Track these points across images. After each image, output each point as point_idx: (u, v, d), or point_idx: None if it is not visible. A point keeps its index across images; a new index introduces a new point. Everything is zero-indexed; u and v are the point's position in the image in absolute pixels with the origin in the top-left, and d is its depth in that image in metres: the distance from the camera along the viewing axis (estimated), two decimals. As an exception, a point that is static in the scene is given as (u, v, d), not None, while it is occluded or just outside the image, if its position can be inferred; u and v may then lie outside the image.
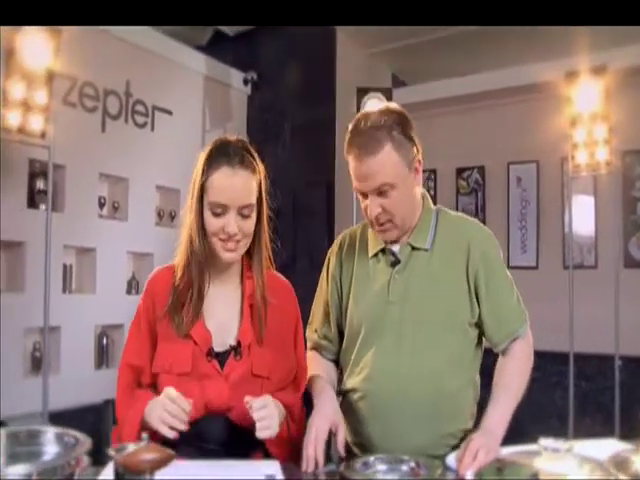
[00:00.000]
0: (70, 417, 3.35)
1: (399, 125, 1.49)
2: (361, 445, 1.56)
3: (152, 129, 4.57)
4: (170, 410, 1.28)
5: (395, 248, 1.61)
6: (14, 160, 3.52)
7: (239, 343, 1.45)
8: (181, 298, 1.45)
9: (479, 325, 1.59)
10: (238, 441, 1.42)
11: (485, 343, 1.64)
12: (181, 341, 1.43)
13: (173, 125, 4.72)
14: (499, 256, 1.62)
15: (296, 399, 1.52)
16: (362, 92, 3.90)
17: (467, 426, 1.56)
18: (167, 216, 4.74)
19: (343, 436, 1.45)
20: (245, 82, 5.41)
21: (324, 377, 1.62)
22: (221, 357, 1.44)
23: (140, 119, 4.48)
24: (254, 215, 1.46)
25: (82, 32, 3.86)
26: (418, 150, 1.54)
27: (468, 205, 5.20)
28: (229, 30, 5.51)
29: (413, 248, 1.59)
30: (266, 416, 1.32)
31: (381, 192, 1.48)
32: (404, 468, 1.27)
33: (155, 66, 4.57)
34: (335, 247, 1.75)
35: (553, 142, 4.43)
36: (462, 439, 1.46)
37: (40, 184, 3.77)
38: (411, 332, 1.54)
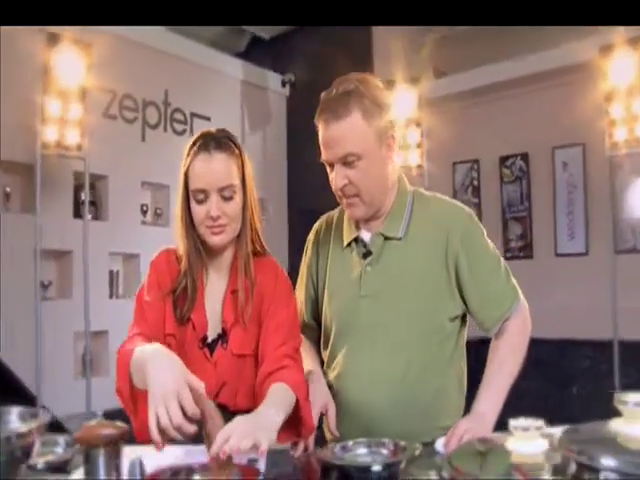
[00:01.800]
0: (124, 417, 3.49)
1: (373, 94, 1.41)
2: (338, 441, 1.53)
3: (191, 135, 4.69)
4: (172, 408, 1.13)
5: (367, 237, 1.51)
6: (59, 173, 3.72)
7: (224, 330, 1.48)
8: (183, 290, 1.48)
9: (465, 314, 1.52)
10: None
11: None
12: (180, 323, 1.46)
13: (212, 131, 4.85)
14: (481, 236, 1.50)
15: (299, 377, 1.44)
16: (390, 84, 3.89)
17: (450, 423, 1.41)
18: (210, 219, 4.87)
19: (334, 416, 1.44)
20: (283, 84, 5.49)
21: (310, 361, 1.58)
22: (212, 345, 1.48)
23: (179, 127, 4.64)
24: (238, 198, 1.45)
25: (120, 47, 4.05)
26: (392, 127, 1.45)
27: (512, 193, 5.09)
28: (265, 34, 5.61)
29: (386, 238, 1.49)
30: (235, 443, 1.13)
31: (347, 162, 1.40)
32: (383, 451, 1.27)
33: (192, 75, 4.71)
34: (311, 235, 1.67)
35: (599, 123, 4.28)
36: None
37: (85, 195, 3.95)
38: (383, 329, 1.47)
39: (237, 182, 1.45)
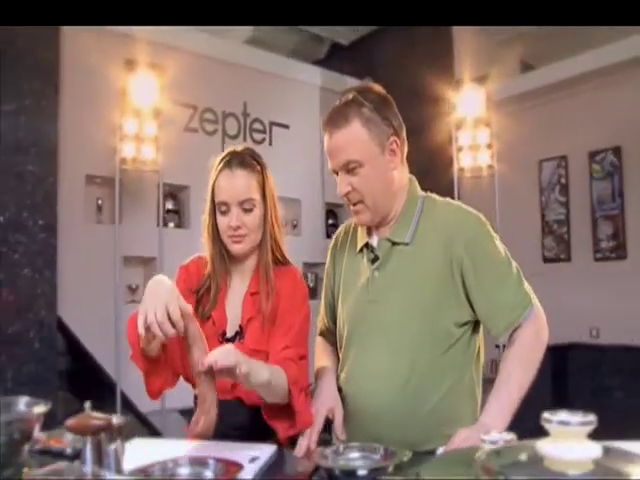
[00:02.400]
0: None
1: (372, 103, 1.44)
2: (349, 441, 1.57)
3: (270, 144, 4.88)
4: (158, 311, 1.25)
5: (375, 243, 1.54)
6: (143, 186, 4.00)
7: (241, 327, 1.60)
8: (207, 288, 1.62)
9: (475, 321, 1.50)
10: (253, 426, 1.55)
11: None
12: (204, 319, 1.59)
13: (290, 138, 4.99)
14: (489, 242, 1.48)
15: (298, 375, 1.51)
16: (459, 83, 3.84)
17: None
18: (289, 225, 5.01)
19: (341, 420, 1.48)
20: (363, 88, 5.52)
21: (326, 364, 1.64)
22: (230, 341, 1.60)
23: (258, 136, 4.82)
24: (257, 211, 1.58)
25: (202, 64, 4.30)
26: (396, 133, 1.47)
27: (603, 190, 4.82)
28: (344, 40, 5.68)
29: (393, 243, 1.51)
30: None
31: (349, 169, 1.45)
32: (375, 456, 1.30)
33: (271, 85, 4.88)
34: (332, 241, 1.73)
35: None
36: None
37: (168, 204, 4.22)
38: (388, 333, 1.48)
39: (257, 196, 1.57)
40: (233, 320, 1.64)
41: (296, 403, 1.45)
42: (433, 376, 1.46)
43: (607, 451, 0.79)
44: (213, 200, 1.60)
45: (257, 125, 4.82)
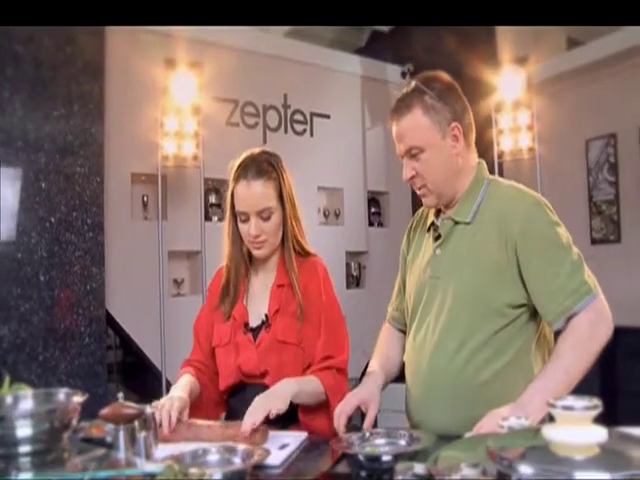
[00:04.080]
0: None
1: (434, 90, 1.50)
2: (407, 416, 1.62)
3: (311, 135, 4.91)
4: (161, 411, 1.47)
5: (439, 222, 1.60)
6: (189, 181, 4.10)
7: (267, 317, 1.69)
8: (228, 288, 1.74)
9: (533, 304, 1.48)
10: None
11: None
12: (227, 321, 1.72)
13: (332, 128, 5.00)
14: (547, 226, 1.47)
15: (335, 382, 1.65)
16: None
17: None
18: (332, 215, 5.04)
19: (373, 416, 1.51)
20: (403, 75, 5.48)
21: (379, 358, 1.70)
22: (256, 330, 1.69)
23: (299, 127, 4.85)
24: (275, 217, 1.65)
25: (242, 59, 4.35)
26: (459, 119, 1.53)
27: (656, 169, 4.65)
28: (384, 27, 5.64)
29: (456, 222, 1.55)
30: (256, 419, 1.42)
31: (412, 155, 1.51)
32: (401, 442, 1.32)
33: (311, 76, 4.89)
34: (409, 224, 1.79)
35: None
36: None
37: (212, 198, 4.31)
38: (442, 310, 1.52)
39: (274, 203, 1.65)
40: (257, 311, 1.72)
41: (332, 404, 1.57)
42: (484, 353, 1.48)
43: (614, 436, 0.79)
44: (233, 206, 1.68)
45: (298, 116, 4.85)
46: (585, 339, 1.39)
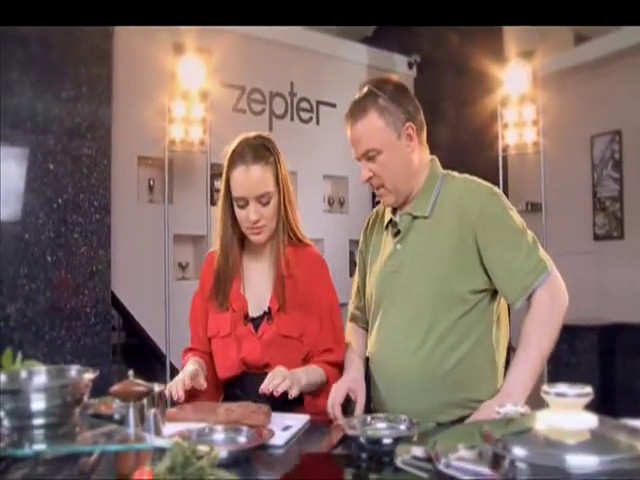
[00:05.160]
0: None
1: (387, 93, 1.54)
2: (374, 410, 1.65)
3: (317, 123, 4.93)
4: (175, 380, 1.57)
5: (398, 219, 1.63)
6: (195, 166, 4.13)
7: (270, 309, 1.69)
8: (221, 277, 1.72)
9: (494, 289, 1.55)
10: (279, 401, 1.65)
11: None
12: (224, 311, 1.71)
13: (338, 117, 4.94)
14: (502, 211, 1.54)
15: (338, 369, 1.71)
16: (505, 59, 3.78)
17: (480, 395, 1.50)
18: (337, 203, 5.07)
19: (361, 403, 1.57)
20: (410, 65, 5.49)
21: (354, 350, 1.74)
22: (257, 321, 1.69)
23: (305, 115, 4.87)
24: (274, 202, 1.65)
25: (250, 45, 4.37)
26: (412, 118, 1.56)
27: (659, 166, 4.67)
28: (392, 16, 5.63)
29: (414, 217, 1.60)
30: (279, 383, 1.50)
31: (369, 157, 1.54)
32: (401, 427, 1.37)
33: (317, 64, 4.90)
34: (365, 222, 1.83)
35: None
36: (476, 408, 1.46)
37: (217, 184, 4.33)
38: (406, 302, 1.57)
39: (272, 188, 1.65)
40: (256, 301, 1.71)
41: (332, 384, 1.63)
42: (448, 341, 1.53)
43: (604, 422, 0.83)
44: (227, 192, 1.66)
45: (304, 104, 4.87)
46: (548, 313, 1.48)
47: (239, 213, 1.65)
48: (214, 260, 1.75)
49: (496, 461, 0.79)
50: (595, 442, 0.77)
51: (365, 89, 1.58)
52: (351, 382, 1.60)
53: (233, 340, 1.68)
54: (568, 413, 0.81)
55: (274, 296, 1.70)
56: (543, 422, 0.83)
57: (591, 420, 0.81)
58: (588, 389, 0.81)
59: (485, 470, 0.78)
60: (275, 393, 1.46)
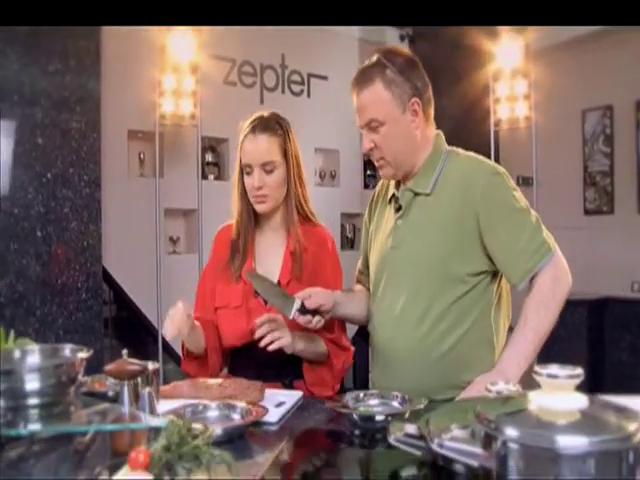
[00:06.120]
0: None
1: (396, 65, 1.52)
2: (372, 385, 1.68)
3: (308, 96, 4.89)
4: (170, 314, 1.60)
5: (399, 193, 1.63)
6: (186, 139, 4.09)
7: (279, 283, 1.73)
8: (237, 247, 1.77)
9: (495, 271, 1.54)
10: (284, 369, 1.70)
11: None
12: (235, 282, 1.76)
13: (329, 90, 4.97)
14: (505, 191, 1.52)
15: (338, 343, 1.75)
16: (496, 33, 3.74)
17: (476, 376, 1.46)
18: (328, 176, 5.05)
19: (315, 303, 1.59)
20: (401, 38, 5.43)
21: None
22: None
23: (296, 88, 4.82)
24: (279, 172, 1.70)
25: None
26: (419, 94, 1.54)
27: (650, 141, 4.67)
28: (384, -13, 5.56)
29: (416, 194, 1.58)
30: (270, 330, 1.57)
31: (371, 127, 1.54)
32: (393, 403, 1.38)
33: (309, 37, 4.83)
34: (372, 195, 1.82)
35: None
36: None
37: (208, 157, 4.31)
38: (405, 279, 1.57)
39: (278, 158, 1.70)
40: (267, 275, 1.74)
41: (334, 361, 1.71)
42: (446, 321, 1.53)
43: (594, 402, 0.84)
44: (241, 162, 1.73)
45: (295, 77, 4.82)
46: (550, 297, 1.46)
47: (246, 181, 1.72)
48: (227, 233, 1.80)
49: (488, 441, 0.80)
50: (585, 422, 0.79)
51: (374, 58, 1.56)
52: (317, 289, 1.62)
53: (244, 312, 1.72)
54: (559, 394, 0.83)
55: (284, 270, 1.74)
56: (535, 403, 0.84)
57: (581, 400, 0.82)
58: (579, 370, 0.83)
59: (478, 450, 0.80)
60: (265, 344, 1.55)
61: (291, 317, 1.58)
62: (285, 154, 1.71)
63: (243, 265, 1.76)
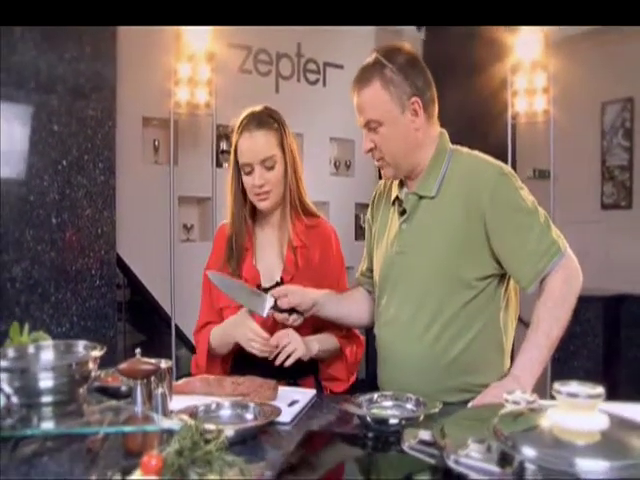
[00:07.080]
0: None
1: (396, 64, 1.48)
2: (381, 388, 1.64)
3: (324, 85, 4.85)
4: (252, 339, 1.61)
5: (403, 197, 1.59)
6: (201, 127, 4.08)
7: (282, 279, 1.71)
8: (234, 246, 1.75)
9: (502, 274, 1.51)
10: (288, 368, 1.66)
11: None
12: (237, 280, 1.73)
13: (345, 78, 4.86)
14: (513, 192, 1.48)
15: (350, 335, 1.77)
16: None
17: (486, 380, 1.47)
18: (343, 166, 5.02)
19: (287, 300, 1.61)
20: (418, 27, 5.36)
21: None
22: (269, 292, 1.69)
23: (312, 76, 4.78)
24: (279, 167, 1.69)
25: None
26: (420, 93, 1.50)
27: (670, 135, 4.60)
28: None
29: (420, 197, 1.55)
30: (285, 344, 1.58)
31: (371, 128, 1.51)
32: (408, 406, 1.37)
33: (325, 26, 4.77)
34: (373, 193, 1.79)
35: None
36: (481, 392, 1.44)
37: (223, 145, 4.29)
38: (412, 284, 1.54)
39: (277, 152, 1.68)
40: (268, 272, 1.75)
41: (346, 354, 1.74)
42: (455, 326, 1.50)
43: (615, 423, 0.82)
44: (237, 162, 1.70)
45: (311, 66, 4.78)
46: (561, 300, 1.43)
47: (246, 180, 1.69)
48: (225, 231, 1.78)
49: (504, 459, 0.79)
50: (606, 445, 0.77)
51: (373, 56, 1.52)
52: (295, 288, 1.63)
53: (246, 311, 1.70)
54: (579, 413, 0.81)
55: (286, 267, 1.72)
56: (553, 420, 0.82)
57: (602, 421, 0.80)
58: (600, 390, 0.81)
59: (494, 469, 0.78)
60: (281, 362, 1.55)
61: (265, 315, 1.58)
62: (283, 149, 1.69)
63: (241, 264, 1.74)
